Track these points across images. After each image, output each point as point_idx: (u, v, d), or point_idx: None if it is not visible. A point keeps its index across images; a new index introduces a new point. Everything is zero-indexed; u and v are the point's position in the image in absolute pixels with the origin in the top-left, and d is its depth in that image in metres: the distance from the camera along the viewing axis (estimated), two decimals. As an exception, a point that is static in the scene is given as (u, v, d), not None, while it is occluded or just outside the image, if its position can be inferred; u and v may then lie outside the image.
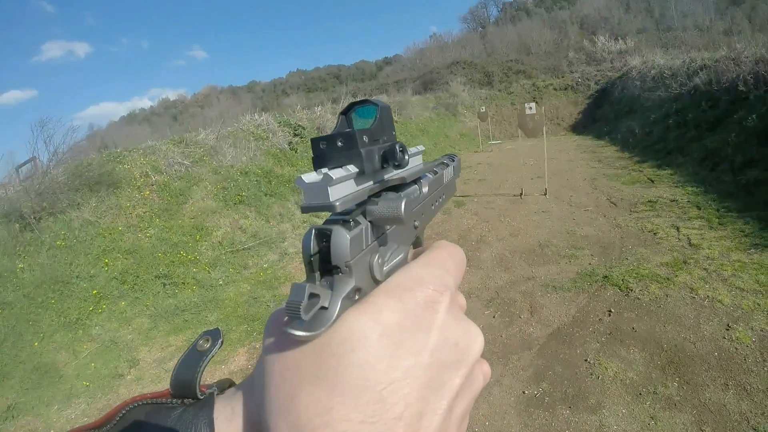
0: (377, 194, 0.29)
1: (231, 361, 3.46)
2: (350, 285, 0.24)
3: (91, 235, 5.40)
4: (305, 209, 0.25)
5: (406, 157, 0.29)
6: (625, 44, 21.71)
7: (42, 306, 4.39)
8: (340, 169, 0.25)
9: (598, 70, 19.78)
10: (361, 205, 0.28)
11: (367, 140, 0.27)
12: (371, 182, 0.29)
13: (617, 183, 7.32)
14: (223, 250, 5.81)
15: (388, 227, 0.30)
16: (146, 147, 7.35)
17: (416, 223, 0.35)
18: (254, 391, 0.26)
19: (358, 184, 0.27)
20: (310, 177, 0.25)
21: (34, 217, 5.28)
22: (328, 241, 0.25)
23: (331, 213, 0.25)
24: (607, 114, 15.54)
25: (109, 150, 7.64)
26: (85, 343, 4.09)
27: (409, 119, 14.85)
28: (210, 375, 3.19)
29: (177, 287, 4.97)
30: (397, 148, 0.29)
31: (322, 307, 0.23)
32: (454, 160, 0.48)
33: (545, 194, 6.95)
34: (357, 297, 0.25)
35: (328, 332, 0.22)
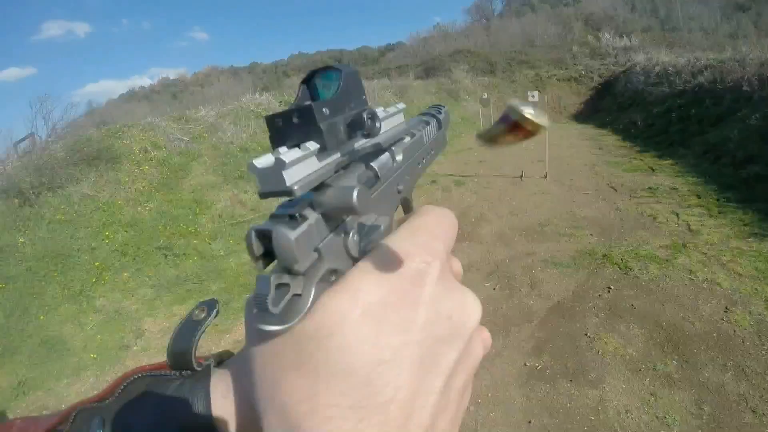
0: (337, 173, 0.26)
1: (235, 330, 3.48)
2: (323, 268, 0.22)
3: (90, 209, 5.38)
4: (263, 195, 0.22)
5: (377, 124, 0.26)
6: (630, 42, 21.45)
7: (45, 279, 4.39)
8: (296, 149, 0.22)
9: (602, 64, 19.46)
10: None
11: (328, 112, 0.24)
12: (338, 155, 0.25)
13: (618, 170, 7.30)
14: (223, 222, 5.81)
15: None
16: (146, 123, 7.30)
17: (400, 188, 0.32)
18: (245, 372, 0.24)
19: (321, 161, 0.24)
20: (263, 161, 0.22)
21: (33, 192, 5.26)
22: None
23: (289, 198, 0.22)
24: (609, 105, 15.43)
25: (108, 126, 7.57)
26: (90, 314, 4.09)
27: (410, 102, 14.76)
28: (215, 345, 3.23)
29: (178, 258, 4.98)
30: (365, 115, 0.26)
31: (296, 295, 0.21)
32: (441, 112, 0.43)
33: (545, 177, 6.93)
34: (333, 278, 0.23)
35: (305, 318, 0.20)
